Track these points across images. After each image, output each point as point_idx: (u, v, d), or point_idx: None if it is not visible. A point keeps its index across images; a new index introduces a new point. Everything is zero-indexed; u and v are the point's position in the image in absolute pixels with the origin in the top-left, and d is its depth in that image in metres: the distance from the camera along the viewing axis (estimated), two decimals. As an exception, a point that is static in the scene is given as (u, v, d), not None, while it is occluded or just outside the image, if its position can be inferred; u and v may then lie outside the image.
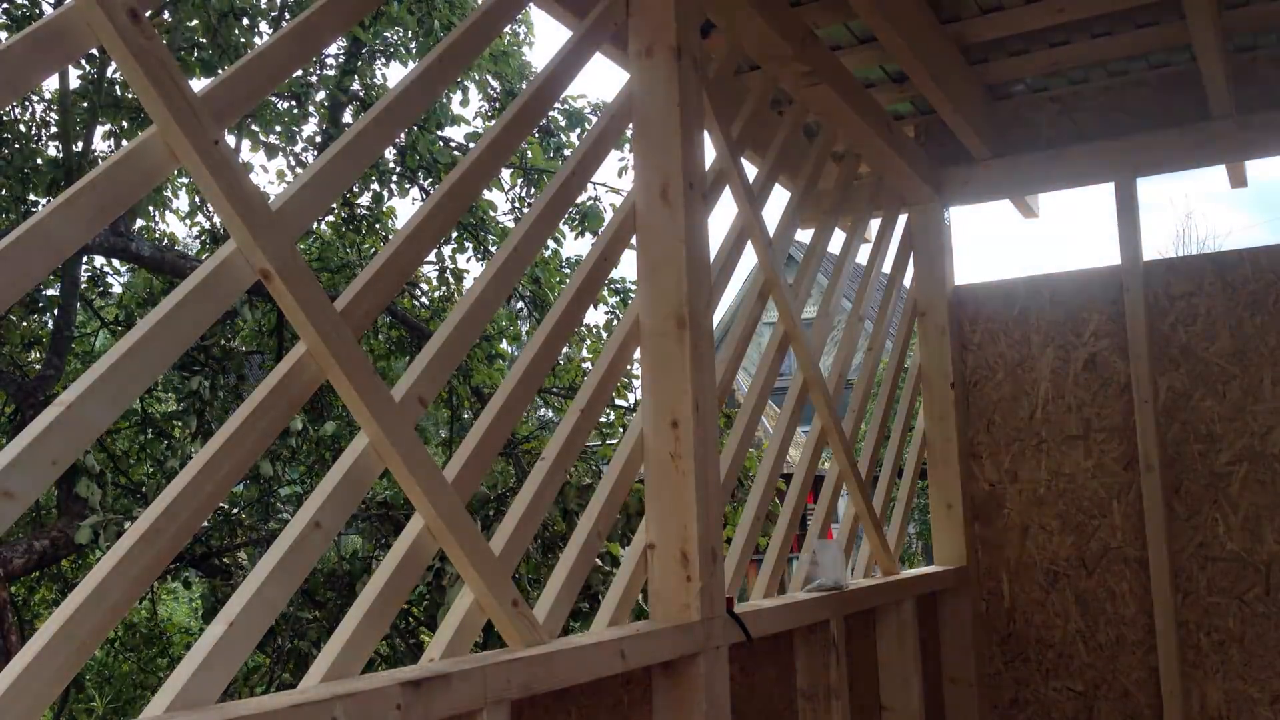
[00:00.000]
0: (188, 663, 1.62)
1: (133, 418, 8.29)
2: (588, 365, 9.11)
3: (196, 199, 9.66)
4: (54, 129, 8.74)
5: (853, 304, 4.64)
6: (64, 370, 8.05)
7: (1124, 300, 4.96)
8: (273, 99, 8.77)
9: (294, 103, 9.05)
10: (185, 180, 9.71)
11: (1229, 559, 4.73)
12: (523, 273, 2.57)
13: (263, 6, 8.92)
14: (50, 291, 8.31)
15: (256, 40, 8.56)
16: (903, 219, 5.27)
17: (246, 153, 9.02)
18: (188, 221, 9.80)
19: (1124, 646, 4.90)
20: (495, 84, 9.72)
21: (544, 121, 9.00)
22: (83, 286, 8.64)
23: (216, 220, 9.46)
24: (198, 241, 9.70)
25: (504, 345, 8.97)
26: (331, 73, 9.47)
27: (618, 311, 9.56)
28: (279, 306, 1.97)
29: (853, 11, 4.14)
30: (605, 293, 9.35)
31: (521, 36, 10.34)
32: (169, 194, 9.68)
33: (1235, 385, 4.78)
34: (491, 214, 9.55)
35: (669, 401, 2.76)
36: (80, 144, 8.45)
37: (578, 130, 9.43)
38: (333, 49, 9.18)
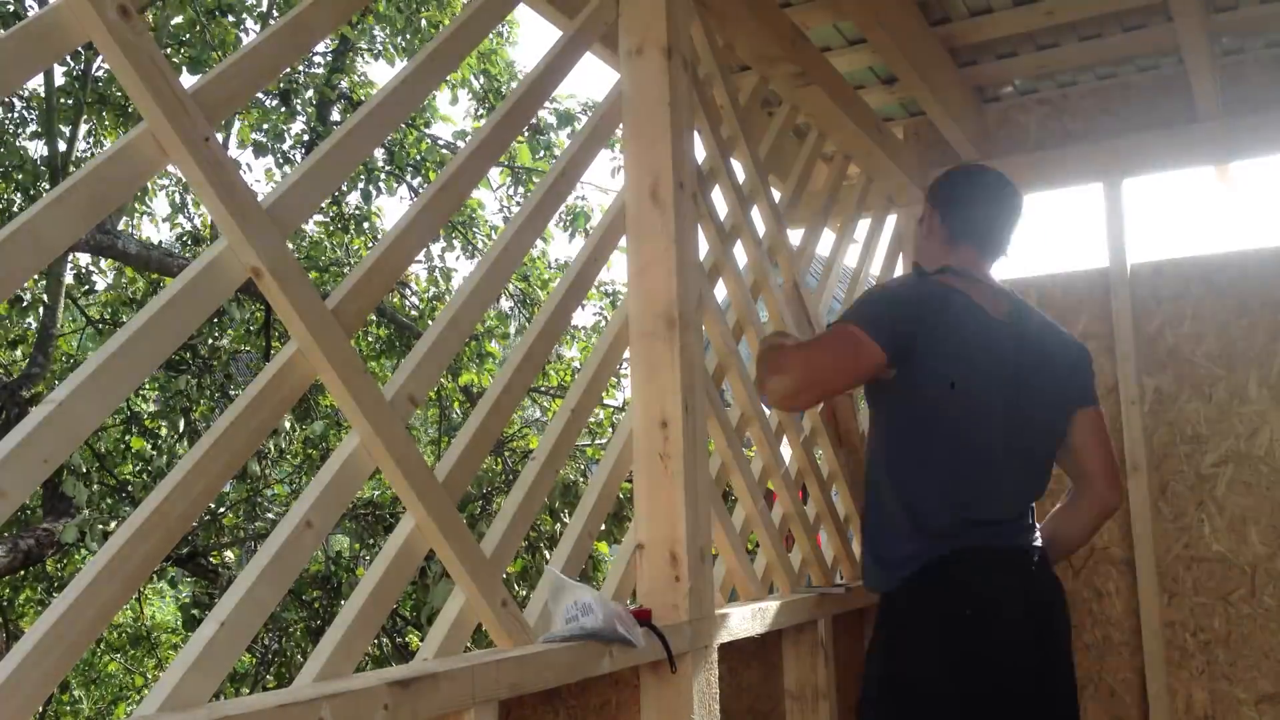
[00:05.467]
0: (179, 664, 1.61)
1: (118, 416, 8.25)
2: (576, 365, 9.10)
3: (178, 199, 9.60)
4: (35, 126, 8.71)
5: (841, 304, 4.64)
6: (48, 369, 8.01)
7: (1111, 302, 4.97)
8: (260, 96, 8.75)
9: (278, 100, 9.03)
10: (164, 183, 9.65)
11: (1215, 560, 4.75)
12: (513, 271, 2.56)
13: (249, 3, 8.89)
14: (35, 290, 8.27)
15: (244, 37, 8.53)
16: (892, 220, 5.27)
17: (234, 150, 8.99)
18: (169, 223, 9.75)
19: (1110, 646, 4.92)
20: (480, 81, 9.71)
21: (534, 121, 9.00)
22: (68, 285, 8.60)
23: (198, 222, 9.43)
24: (179, 243, 9.66)
25: (492, 344, 8.96)
26: (320, 70, 9.45)
27: (605, 313, 9.56)
28: (269, 305, 1.96)
29: (843, 12, 4.15)
30: (593, 293, 9.35)
31: (505, 35, 10.33)
32: (147, 198, 9.64)
33: (1221, 387, 4.80)
34: (480, 213, 9.55)
35: (658, 402, 2.75)
36: (63, 143, 8.42)
37: (567, 130, 9.43)
38: (320, 46, 9.16)
